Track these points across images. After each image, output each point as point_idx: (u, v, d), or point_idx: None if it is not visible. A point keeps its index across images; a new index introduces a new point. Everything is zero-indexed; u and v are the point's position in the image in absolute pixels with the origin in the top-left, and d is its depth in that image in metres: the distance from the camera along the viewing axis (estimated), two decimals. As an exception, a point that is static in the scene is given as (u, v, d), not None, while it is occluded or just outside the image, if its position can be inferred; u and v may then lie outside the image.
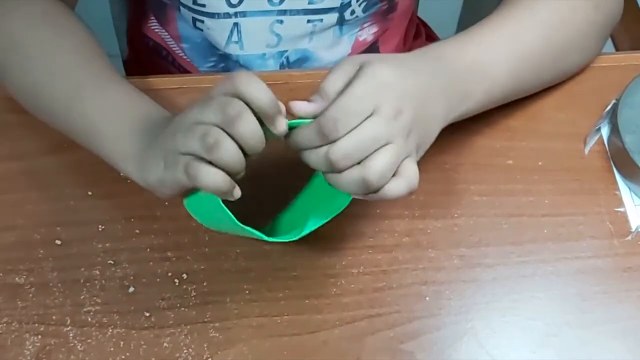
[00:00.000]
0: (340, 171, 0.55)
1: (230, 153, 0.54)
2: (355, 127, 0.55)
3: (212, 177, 0.54)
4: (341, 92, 0.55)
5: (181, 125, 0.56)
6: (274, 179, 0.71)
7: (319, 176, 0.64)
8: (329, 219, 0.61)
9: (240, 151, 0.54)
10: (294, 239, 0.60)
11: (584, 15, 0.72)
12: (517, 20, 0.70)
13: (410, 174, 0.57)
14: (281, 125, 0.55)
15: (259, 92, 0.54)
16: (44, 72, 0.68)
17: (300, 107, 0.56)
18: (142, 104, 0.66)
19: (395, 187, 0.56)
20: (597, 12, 0.73)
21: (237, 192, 0.55)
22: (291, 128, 0.56)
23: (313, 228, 0.61)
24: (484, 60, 0.67)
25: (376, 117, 0.55)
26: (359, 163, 0.55)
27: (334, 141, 0.55)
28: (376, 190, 0.55)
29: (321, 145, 0.55)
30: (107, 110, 0.65)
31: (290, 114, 0.56)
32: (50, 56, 0.68)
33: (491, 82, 0.67)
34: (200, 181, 0.54)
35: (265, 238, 0.59)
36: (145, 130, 0.62)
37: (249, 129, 0.54)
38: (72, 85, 0.67)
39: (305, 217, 0.62)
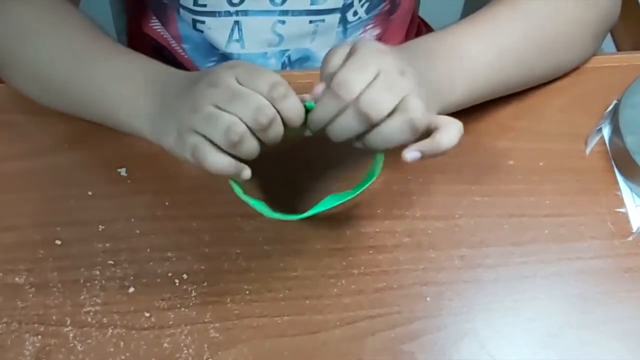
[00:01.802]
0: (376, 124, 0.57)
1: (250, 151, 0.56)
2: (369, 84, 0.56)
3: (220, 165, 0.56)
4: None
5: (203, 104, 0.57)
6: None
7: None
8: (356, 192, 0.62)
9: (259, 147, 0.56)
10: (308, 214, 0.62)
11: (572, 13, 0.72)
12: (497, 15, 0.70)
13: (447, 119, 0.60)
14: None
15: (293, 112, 0.57)
16: (54, 53, 0.69)
17: (312, 94, 0.58)
18: (153, 66, 0.67)
19: (448, 133, 0.59)
20: (586, 9, 0.73)
21: (247, 174, 0.57)
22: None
23: (332, 204, 0.62)
24: (462, 47, 0.67)
25: (384, 74, 0.57)
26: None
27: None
28: (420, 131, 0.58)
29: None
30: (120, 74, 0.67)
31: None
32: (58, 38, 0.70)
33: (471, 71, 0.67)
34: (207, 166, 0.56)
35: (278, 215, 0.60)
36: (158, 90, 0.64)
37: (276, 133, 0.57)
38: (82, 58, 0.68)
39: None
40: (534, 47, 0.71)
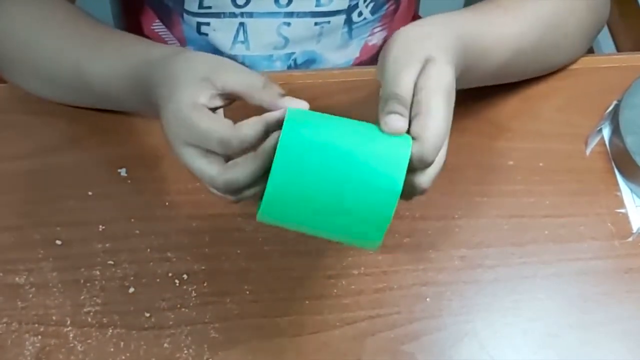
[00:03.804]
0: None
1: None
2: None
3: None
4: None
5: (175, 143, 0.55)
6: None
7: None
8: None
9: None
10: None
11: (579, 15, 0.73)
12: (518, 6, 0.69)
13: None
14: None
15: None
16: (43, 48, 0.69)
17: (396, 126, 0.53)
18: (140, 47, 0.65)
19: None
20: (588, 13, 0.74)
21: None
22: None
23: None
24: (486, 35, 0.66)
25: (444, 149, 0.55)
26: None
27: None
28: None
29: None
30: (108, 68, 0.65)
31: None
32: (44, 32, 0.69)
33: (497, 51, 0.66)
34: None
35: None
36: (146, 71, 0.61)
37: None
38: (73, 52, 0.68)
39: None
40: (549, 30, 0.71)
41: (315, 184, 0.51)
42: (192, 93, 0.54)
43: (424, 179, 0.54)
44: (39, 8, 0.71)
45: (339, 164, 0.51)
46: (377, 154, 0.52)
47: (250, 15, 0.80)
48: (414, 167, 0.53)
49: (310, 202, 0.52)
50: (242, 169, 0.53)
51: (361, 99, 0.76)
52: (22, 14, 0.70)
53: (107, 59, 0.66)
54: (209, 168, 0.54)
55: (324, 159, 0.51)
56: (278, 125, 0.53)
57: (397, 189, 0.51)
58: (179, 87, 0.55)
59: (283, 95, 0.54)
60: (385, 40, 0.88)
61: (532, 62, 0.74)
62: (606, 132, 0.75)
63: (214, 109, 0.55)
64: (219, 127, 0.53)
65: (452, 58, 0.57)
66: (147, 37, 0.89)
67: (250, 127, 0.53)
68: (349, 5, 0.81)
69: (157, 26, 0.88)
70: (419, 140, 0.52)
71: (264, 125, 0.53)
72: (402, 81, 0.55)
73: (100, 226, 0.69)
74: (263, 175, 0.52)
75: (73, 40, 0.69)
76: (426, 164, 0.53)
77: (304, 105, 0.54)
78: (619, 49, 1.02)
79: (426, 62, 0.55)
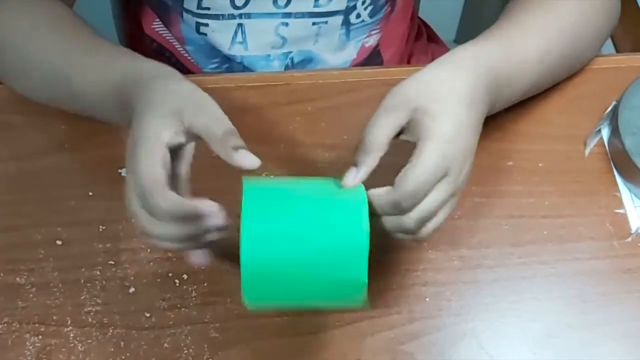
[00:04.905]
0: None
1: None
2: (430, 191, 0.55)
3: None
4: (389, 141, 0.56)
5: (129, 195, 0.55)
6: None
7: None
8: None
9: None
10: None
11: (592, 13, 0.73)
12: (534, 13, 0.69)
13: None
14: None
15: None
16: (28, 54, 0.68)
17: (350, 181, 0.56)
18: (118, 65, 0.64)
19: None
20: (602, 11, 0.74)
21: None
22: None
23: None
24: (516, 45, 0.66)
25: (447, 178, 0.56)
26: None
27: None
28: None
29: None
30: (88, 74, 0.65)
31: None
32: (29, 39, 0.69)
33: (524, 69, 0.67)
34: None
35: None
36: (124, 92, 0.61)
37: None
38: (55, 61, 0.67)
39: None
40: (571, 41, 0.71)
41: (285, 268, 0.53)
42: (158, 125, 0.55)
43: (410, 223, 0.55)
44: (30, 12, 0.70)
45: (302, 249, 0.53)
46: (336, 238, 0.53)
47: (249, 16, 0.81)
48: (388, 212, 0.55)
49: (285, 283, 0.53)
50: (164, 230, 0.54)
51: (360, 100, 0.76)
52: (12, 20, 0.70)
53: (94, 69, 0.65)
54: (139, 211, 0.54)
55: (288, 246, 0.53)
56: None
57: (363, 278, 0.53)
58: (149, 114, 0.55)
59: (238, 149, 0.53)
60: (379, 42, 0.89)
61: (557, 75, 0.74)
62: (605, 133, 0.75)
63: (178, 146, 0.55)
64: (156, 189, 0.53)
65: (465, 101, 0.58)
66: (148, 35, 0.89)
67: (180, 208, 0.53)
68: (346, 7, 0.81)
69: (157, 25, 0.88)
70: (395, 187, 0.54)
71: (193, 214, 0.54)
72: (375, 129, 0.56)
73: (101, 226, 0.69)
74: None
75: (62, 47, 0.68)
76: (403, 210, 0.55)
77: (254, 162, 0.53)
78: (618, 50, 1.03)
79: (417, 113, 0.56)
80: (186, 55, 0.88)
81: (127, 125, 0.59)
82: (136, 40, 0.93)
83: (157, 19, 0.87)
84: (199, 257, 0.57)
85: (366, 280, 0.53)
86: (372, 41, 0.88)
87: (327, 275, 0.53)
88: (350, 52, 0.88)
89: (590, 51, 0.77)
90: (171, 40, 0.88)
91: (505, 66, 0.64)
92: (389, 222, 0.56)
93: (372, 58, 0.90)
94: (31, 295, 0.66)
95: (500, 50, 0.64)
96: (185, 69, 0.90)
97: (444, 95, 0.57)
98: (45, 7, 0.71)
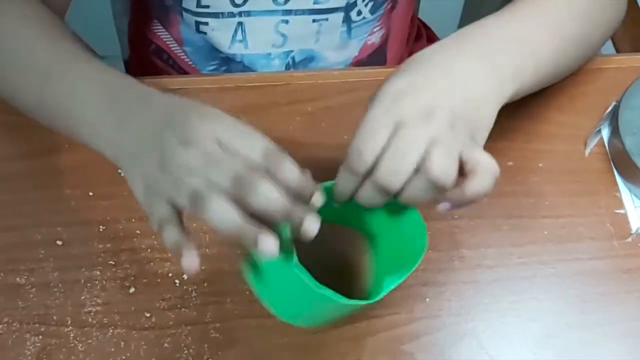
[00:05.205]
0: (399, 191, 0.53)
1: (224, 218, 0.50)
2: (386, 146, 0.52)
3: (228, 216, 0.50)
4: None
5: (172, 165, 0.51)
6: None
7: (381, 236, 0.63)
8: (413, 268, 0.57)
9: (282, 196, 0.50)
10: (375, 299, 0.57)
11: (598, 9, 0.71)
12: (552, 4, 0.67)
13: (483, 162, 0.54)
14: (317, 200, 0.53)
15: (291, 179, 0.50)
16: (12, 66, 0.65)
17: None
18: (110, 81, 0.61)
19: (478, 183, 0.53)
20: (609, 8, 0.73)
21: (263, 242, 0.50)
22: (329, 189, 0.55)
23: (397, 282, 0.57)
24: (529, 34, 0.63)
25: (401, 128, 0.52)
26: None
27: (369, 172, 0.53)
28: (448, 187, 0.52)
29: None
30: (77, 93, 0.61)
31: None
32: (14, 48, 0.65)
33: (538, 57, 0.63)
34: (212, 216, 0.50)
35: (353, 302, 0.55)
36: (118, 112, 0.58)
37: (261, 203, 0.49)
38: (39, 74, 0.63)
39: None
40: (582, 30, 0.69)
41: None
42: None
43: (375, 174, 0.53)
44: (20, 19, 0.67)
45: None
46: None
47: (249, 14, 0.81)
48: (349, 184, 0.54)
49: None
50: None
51: (361, 100, 0.76)
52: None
53: (80, 70, 0.62)
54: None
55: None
56: None
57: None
58: (191, 116, 0.53)
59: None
60: (383, 39, 0.89)
61: (573, 57, 0.71)
62: (605, 133, 0.75)
63: None
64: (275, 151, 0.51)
65: (413, 62, 0.57)
66: (148, 38, 0.89)
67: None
68: (347, 3, 0.81)
69: (155, 27, 0.88)
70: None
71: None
72: (368, 141, 0.53)
73: (101, 226, 0.69)
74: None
75: (46, 50, 0.64)
76: (358, 172, 0.53)
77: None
78: (618, 50, 1.03)
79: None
80: (184, 57, 0.88)
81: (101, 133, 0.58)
82: (136, 41, 0.93)
83: (156, 21, 0.87)
84: (189, 261, 0.52)
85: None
86: (374, 39, 0.88)
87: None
88: (352, 50, 0.88)
89: (601, 39, 0.74)
90: (169, 43, 0.88)
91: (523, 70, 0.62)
92: (362, 191, 0.54)
93: (376, 57, 0.90)
94: (31, 295, 0.66)
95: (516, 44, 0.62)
96: (183, 71, 0.90)
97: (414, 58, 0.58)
98: (20, 13, 0.67)
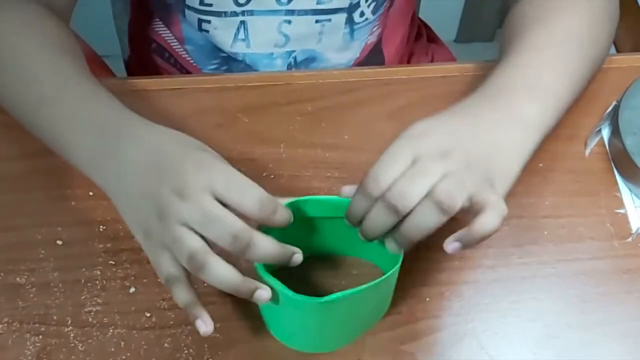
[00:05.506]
0: (405, 215, 0.55)
1: (220, 274, 0.55)
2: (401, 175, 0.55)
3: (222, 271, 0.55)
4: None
5: (170, 219, 0.54)
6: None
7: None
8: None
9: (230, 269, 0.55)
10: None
11: (602, 24, 0.72)
12: (549, 38, 0.68)
13: (490, 200, 0.55)
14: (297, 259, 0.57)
15: (283, 222, 0.56)
16: (9, 78, 0.66)
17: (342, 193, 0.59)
18: (99, 110, 0.62)
19: (485, 220, 0.55)
20: (611, 23, 0.73)
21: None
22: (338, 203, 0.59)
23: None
24: (549, 76, 0.65)
25: (419, 161, 0.55)
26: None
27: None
28: (450, 211, 0.55)
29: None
30: (71, 119, 0.62)
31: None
32: (13, 62, 0.66)
33: (558, 100, 0.65)
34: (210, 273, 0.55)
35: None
36: (109, 147, 0.59)
37: (256, 254, 0.55)
38: (34, 94, 0.64)
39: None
40: (587, 60, 0.70)
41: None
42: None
43: (388, 193, 0.55)
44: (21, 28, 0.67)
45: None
46: None
47: (251, 13, 0.81)
48: (362, 205, 0.57)
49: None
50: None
51: (361, 100, 0.76)
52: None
53: (68, 102, 0.63)
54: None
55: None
56: None
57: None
58: (185, 165, 0.56)
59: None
60: (378, 36, 0.89)
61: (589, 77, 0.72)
62: (605, 133, 0.75)
63: None
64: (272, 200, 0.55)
65: (437, 114, 0.60)
66: (149, 37, 0.89)
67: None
68: (350, 4, 0.81)
69: (157, 25, 0.88)
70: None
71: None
72: (381, 175, 0.56)
73: (101, 226, 0.69)
74: None
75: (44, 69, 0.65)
76: (370, 195, 0.56)
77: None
78: (618, 50, 1.03)
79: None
80: (185, 55, 0.88)
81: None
82: (137, 40, 0.93)
83: (157, 19, 0.87)
84: (204, 327, 0.57)
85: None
86: (373, 38, 0.88)
87: None
88: (354, 52, 0.88)
89: (603, 55, 0.74)
90: (170, 42, 0.88)
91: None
92: (372, 213, 0.56)
93: (374, 55, 0.90)
94: (31, 295, 0.66)
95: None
96: (184, 70, 0.90)
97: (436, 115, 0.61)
98: (39, 27, 0.68)
